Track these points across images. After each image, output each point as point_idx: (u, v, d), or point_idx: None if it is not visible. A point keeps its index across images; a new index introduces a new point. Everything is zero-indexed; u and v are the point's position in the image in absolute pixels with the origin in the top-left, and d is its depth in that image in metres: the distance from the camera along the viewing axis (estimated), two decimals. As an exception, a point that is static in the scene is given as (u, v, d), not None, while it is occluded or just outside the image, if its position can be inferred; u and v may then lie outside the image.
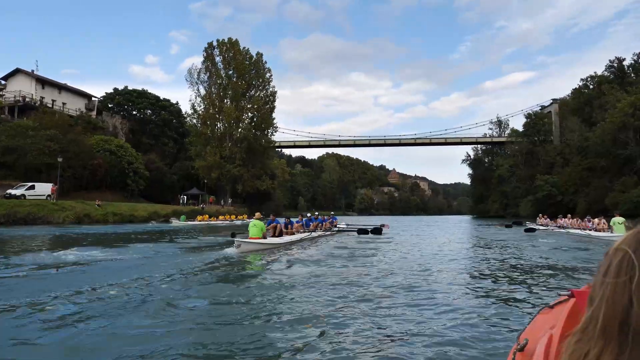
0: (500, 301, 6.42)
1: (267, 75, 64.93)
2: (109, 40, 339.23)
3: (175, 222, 38.15)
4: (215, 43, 63.43)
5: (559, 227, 27.61)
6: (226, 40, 63.41)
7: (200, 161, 57.96)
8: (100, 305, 5.88)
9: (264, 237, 14.58)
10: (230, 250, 13.36)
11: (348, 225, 27.06)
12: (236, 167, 59.07)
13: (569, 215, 28.86)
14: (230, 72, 62.26)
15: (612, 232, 19.71)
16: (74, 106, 58.95)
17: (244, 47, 64.12)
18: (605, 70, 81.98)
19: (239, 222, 41.95)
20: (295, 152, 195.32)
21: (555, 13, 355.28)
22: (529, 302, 6.34)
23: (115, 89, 67.71)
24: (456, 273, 9.49)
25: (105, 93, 67.54)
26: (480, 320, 5.24)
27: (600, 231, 21.49)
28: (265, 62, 64.66)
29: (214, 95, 61.19)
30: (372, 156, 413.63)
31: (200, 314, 5.63)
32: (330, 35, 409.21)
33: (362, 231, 21.74)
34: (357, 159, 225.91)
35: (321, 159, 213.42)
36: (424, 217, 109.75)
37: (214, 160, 57.46)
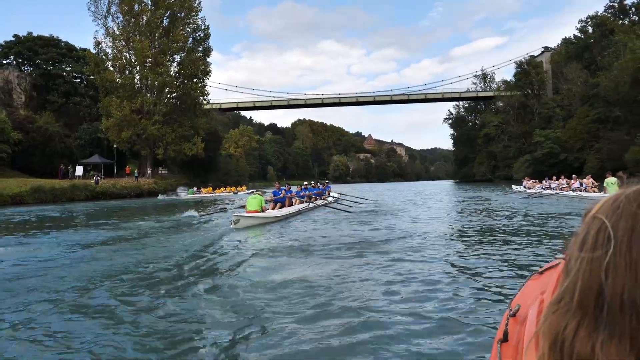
0: (493, 267, 6.41)
1: (195, 2, 48.59)
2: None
3: (183, 195, 37.37)
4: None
5: (545, 189, 26.67)
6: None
7: (110, 120, 43.13)
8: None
9: (263, 211, 13.52)
10: (227, 228, 11.68)
11: (341, 194, 24.52)
12: (154, 124, 44.39)
13: (554, 177, 28.03)
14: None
15: (605, 193, 18.96)
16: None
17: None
18: (605, 11, 72.03)
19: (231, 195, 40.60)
20: (266, 120, 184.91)
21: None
22: (520, 268, 6.27)
23: (16, 36, 53.44)
24: (447, 239, 9.37)
25: (4, 42, 53.32)
26: (473, 287, 5.28)
27: (590, 192, 20.89)
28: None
29: (128, 29, 46.21)
30: (347, 123, 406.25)
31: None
32: (301, 4, 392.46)
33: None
34: (331, 125, 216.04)
35: (294, 125, 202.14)
36: (403, 184, 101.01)
37: (123, 115, 42.75)
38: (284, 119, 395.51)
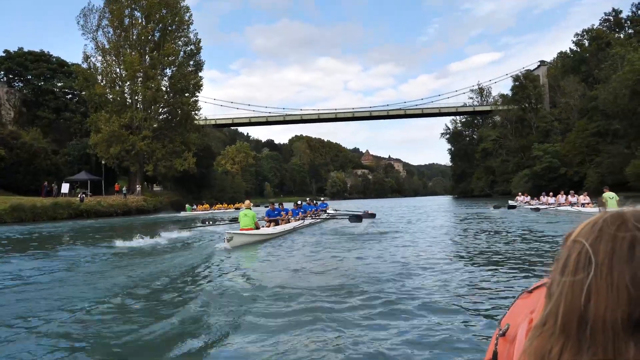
0: (485, 286, 6.22)
1: (186, 16, 47.69)
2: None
3: (182, 213, 36.67)
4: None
5: (540, 204, 27.19)
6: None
7: (98, 135, 41.34)
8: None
9: (257, 228, 13.18)
10: (220, 246, 11.28)
11: (337, 210, 24.66)
12: (143, 139, 42.78)
13: (551, 193, 28.23)
14: (138, 13, 45.95)
15: (603, 208, 14.04)
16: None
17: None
18: (600, 24, 71.97)
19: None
20: (263, 136, 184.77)
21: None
22: (512, 287, 6.05)
23: (7, 51, 52.70)
24: (440, 258, 9.08)
25: (-7, 58, 52.44)
26: (464, 306, 5.14)
27: (588, 207, 20.88)
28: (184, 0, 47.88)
29: (119, 43, 45.02)
30: (345, 139, 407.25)
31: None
32: (298, 21, 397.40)
33: (353, 218, 18.30)
34: (328, 141, 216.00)
35: (291, 141, 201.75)
36: (400, 200, 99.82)
37: (111, 131, 40.66)
38: (282, 135, 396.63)
